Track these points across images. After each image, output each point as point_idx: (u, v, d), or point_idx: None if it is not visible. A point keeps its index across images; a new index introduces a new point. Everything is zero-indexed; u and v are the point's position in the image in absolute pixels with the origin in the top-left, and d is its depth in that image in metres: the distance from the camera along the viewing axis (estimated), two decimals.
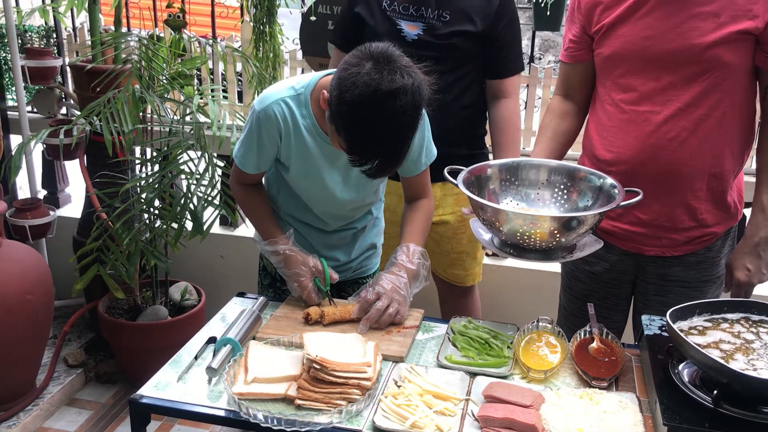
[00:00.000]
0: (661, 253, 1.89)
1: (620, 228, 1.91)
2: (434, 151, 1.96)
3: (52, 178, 3.63)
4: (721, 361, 1.35)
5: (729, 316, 1.57)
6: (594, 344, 1.63)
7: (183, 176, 2.66)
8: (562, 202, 1.86)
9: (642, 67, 1.76)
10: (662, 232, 1.86)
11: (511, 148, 2.35)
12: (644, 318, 1.69)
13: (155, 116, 2.64)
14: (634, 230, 1.88)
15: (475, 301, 2.68)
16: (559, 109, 2.02)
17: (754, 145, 1.89)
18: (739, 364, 1.40)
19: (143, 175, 2.73)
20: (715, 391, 1.35)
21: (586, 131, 1.98)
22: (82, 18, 3.35)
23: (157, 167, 2.66)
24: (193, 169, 2.60)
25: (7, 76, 3.29)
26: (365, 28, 2.26)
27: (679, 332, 1.42)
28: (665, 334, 1.61)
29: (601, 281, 2.01)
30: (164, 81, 2.67)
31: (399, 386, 1.51)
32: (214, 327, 1.80)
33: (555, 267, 3.04)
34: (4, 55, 3.30)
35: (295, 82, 1.80)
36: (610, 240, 1.94)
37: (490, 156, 2.46)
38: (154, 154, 2.77)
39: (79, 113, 2.76)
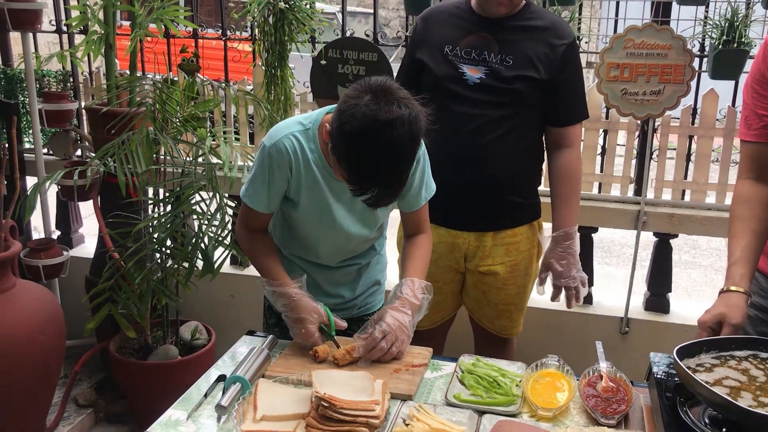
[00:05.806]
0: None
1: None
2: (433, 186, 1.97)
3: (66, 218, 3.68)
4: (729, 399, 1.35)
5: (737, 353, 1.57)
6: (603, 382, 1.63)
7: (195, 216, 2.70)
8: None
9: None
10: None
11: (573, 200, 2.28)
12: (652, 355, 1.69)
13: (168, 157, 2.69)
14: None
15: (512, 351, 2.56)
16: (756, 197, 1.76)
17: None
18: (746, 401, 1.40)
19: (156, 215, 2.77)
20: (723, 429, 1.35)
21: None
22: (98, 62, 3.43)
23: (169, 207, 2.70)
24: (205, 209, 2.64)
25: (24, 119, 3.36)
26: (424, 72, 2.24)
27: (686, 369, 1.42)
28: (673, 371, 1.60)
29: None
30: (177, 123, 2.72)
31: (407, 424, 1.51)
32: (224, 365, 1.81)
33: (563, 305, 3.03)
34: (22, 99, 3.37)
35: (303, 117, 1.85)
36: None
37: (544, 206, 2.38)
38: (167, 194, 2.81)
39: (93, 155, 2.81)
